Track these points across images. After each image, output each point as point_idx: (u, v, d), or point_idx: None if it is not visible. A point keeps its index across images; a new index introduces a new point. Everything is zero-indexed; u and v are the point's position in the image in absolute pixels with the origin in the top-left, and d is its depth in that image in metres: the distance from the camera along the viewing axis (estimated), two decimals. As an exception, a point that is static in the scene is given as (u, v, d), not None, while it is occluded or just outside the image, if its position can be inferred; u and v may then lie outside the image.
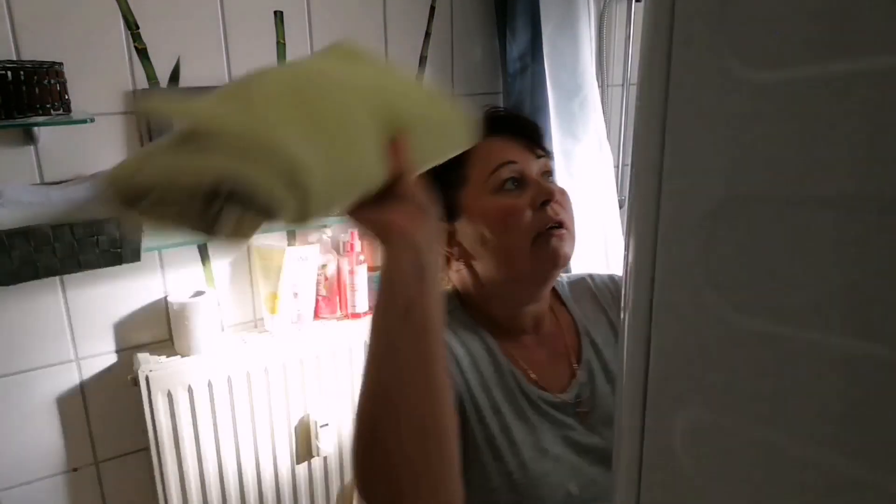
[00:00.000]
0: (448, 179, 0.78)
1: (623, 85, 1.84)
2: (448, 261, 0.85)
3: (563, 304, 0.90)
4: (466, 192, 0.79)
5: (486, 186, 0.78)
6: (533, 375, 0.80)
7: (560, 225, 0.77)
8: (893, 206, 0.23)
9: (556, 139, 1.62)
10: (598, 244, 1.68)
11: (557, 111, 1.62)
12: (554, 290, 0.89)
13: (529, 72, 1.62)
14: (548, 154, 0.83)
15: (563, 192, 0.80)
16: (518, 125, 0.83)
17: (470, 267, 0.82)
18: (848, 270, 0.25)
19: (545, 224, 0.76)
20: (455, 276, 0.86)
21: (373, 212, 0.53)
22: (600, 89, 1.74)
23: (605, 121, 1.72)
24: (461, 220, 0.80)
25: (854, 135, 0.24)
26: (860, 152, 0.24)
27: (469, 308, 0.85)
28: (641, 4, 1.42)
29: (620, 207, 1.73)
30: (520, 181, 0.78)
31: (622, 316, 0.35)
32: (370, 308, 1.58)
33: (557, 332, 0.86)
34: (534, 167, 0.79)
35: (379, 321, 0.53)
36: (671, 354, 0.32)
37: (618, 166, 1.89)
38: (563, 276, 0.94)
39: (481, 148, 0.76)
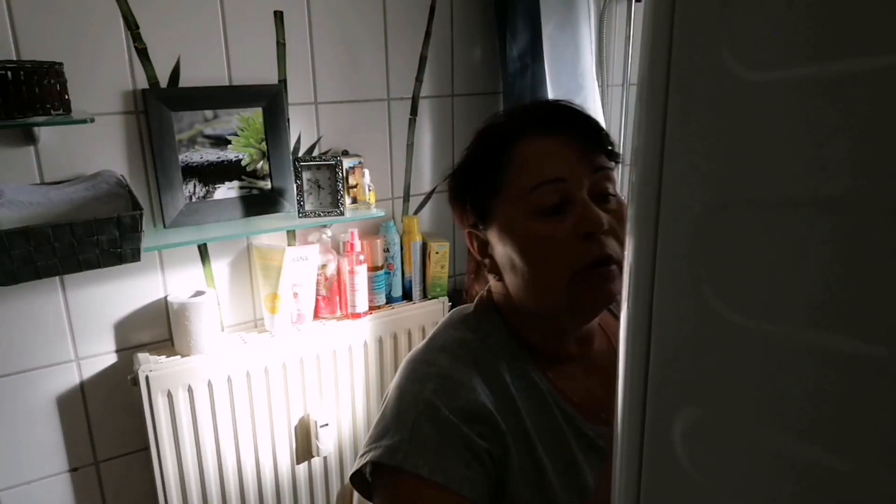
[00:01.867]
0: (482, 181, 0.68)
1: (623, 85, 1.84)
2: (478, 269, 0.76)
3: (611, 311, 0.78)
4: (500, 201, 0.67)
5: (521, 204, 0.65)
6: (588, 408, 0.69)
7: (607, 261, 0.63)
8: (893, 206, 0.23)
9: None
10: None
11: (557, 111, 1.61)
12: None
13: (529, 72, 1.62)
14: (610, 165, 0.67)
15: (620, 214, 0.65)
16: (578, 126, 0.67)
17: (502, 281, 0.71)
18: (847, 270, 0.25)
19: (589, 260, 0.63)
20: (492, 285, 0.75)
21: None
22: (600, 89, 1.74)
23: (605, 121, 1.72)
24: (492, 228, 0.69)
25: (854, 135, 0.24)
26: (860, 152, 0.24)
27: (510, 327, 0.72)
28: (641, 4, 1.42)
29: (620, 207, 1.73)
30: (565, 203, 0.64)
31: (622, 316, 0.35)
32: (370, 308, 1.59)
33: (610, 349, 0.75)
34: (586, 185, 0.64)
35: None
36: (671, 354, 0.32)
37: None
38: None
39: (526, 149, 0.65)
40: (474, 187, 0.70)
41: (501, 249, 0.68)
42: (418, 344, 0.74)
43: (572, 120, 0.67)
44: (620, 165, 0.72)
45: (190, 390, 1.34)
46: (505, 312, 0.73)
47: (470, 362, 0.67)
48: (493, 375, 0.67)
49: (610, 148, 0.68)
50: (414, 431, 0.62)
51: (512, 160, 0.66)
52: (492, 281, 0.74)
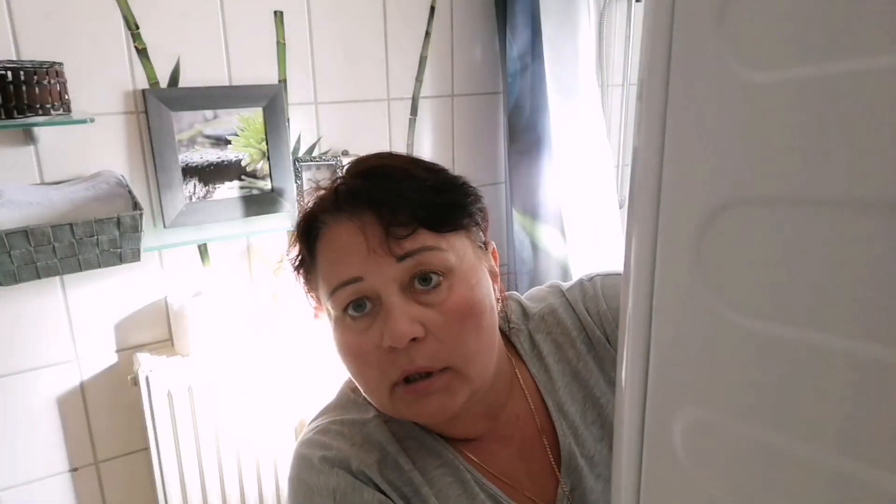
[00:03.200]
0: (307, 280, 0.61)
1: (623, 85, 1.84)
2: None
3: (522, 360, 0.67)
4: (322, 298, 0.59)
5: (328, 309, 0.57)
6: (512, 485, 0.62)
7: (422, 374, 0.53)
8: (893, 206, 0.23)
9: (556, 139, 1.62)
10: (598, 244, 1.68)
11: (557, 111, 1.62)
12: (510, 343, 0.67)
13: (529, 72, 1.62)
14: (430, 244, 0.53)
15: (450, 303, 0.53)
16: (383, 197, 0.53)
17: None
18: (848, 270, 0.25)
19: (398, 375, 0.53)
20: None
21: None
22: (600, 89, 1.74)
23: (605, 121, 1.72)
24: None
25: (854, 135, 0.24)
26: (860, 152, 0.24)
27: None
28: (641, 4, 1.42)
29: (620, 207, 1.73)
30: (371, 302, 0.54)
31: (622, 316, 0.35)
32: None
33: (525, 416, 0.65)
34: (392, 276, 0.53)
35: None
36: (671, 354, 0.32)
37: (618, 166, 1.90)
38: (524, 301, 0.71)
39: (325, 244, 0.56)
40: (307, 285, 0.62)
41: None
42: (309, 425, 0.66)
43: (375, 190, 0.54)
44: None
45: (190, 390, 1.34)
46: None
47: (374, 446, 0.59)
48: (397, 463, 0.59)
49: (441, 211, 0.55)
50: None
51: (317, 258, 0.57)
52: None
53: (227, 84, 1.39)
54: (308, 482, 0.58)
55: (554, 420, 0.64)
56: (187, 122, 1.35)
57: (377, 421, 0.61)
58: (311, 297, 0.63)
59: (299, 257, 0.60)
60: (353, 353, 0.55)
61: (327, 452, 0.59)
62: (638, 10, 1.75)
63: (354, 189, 0.55)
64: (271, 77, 1.44)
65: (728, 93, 0.27)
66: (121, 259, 1.19)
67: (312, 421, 0.66)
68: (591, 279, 0.71)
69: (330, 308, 0.56)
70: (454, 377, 0.54)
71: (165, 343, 1.44)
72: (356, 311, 0.54)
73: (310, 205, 0.58)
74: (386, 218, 0.53)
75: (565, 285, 0.71)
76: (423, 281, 0.53)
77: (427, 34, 1.62)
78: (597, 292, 0.69)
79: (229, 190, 1.43)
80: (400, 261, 0.53)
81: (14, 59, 1.17)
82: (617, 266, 0.66)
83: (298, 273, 0.62)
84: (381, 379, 0.54)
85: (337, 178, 0.57)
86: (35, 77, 1.07)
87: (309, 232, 0.57)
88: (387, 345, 0.52)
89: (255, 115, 1.43)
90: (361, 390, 0.58)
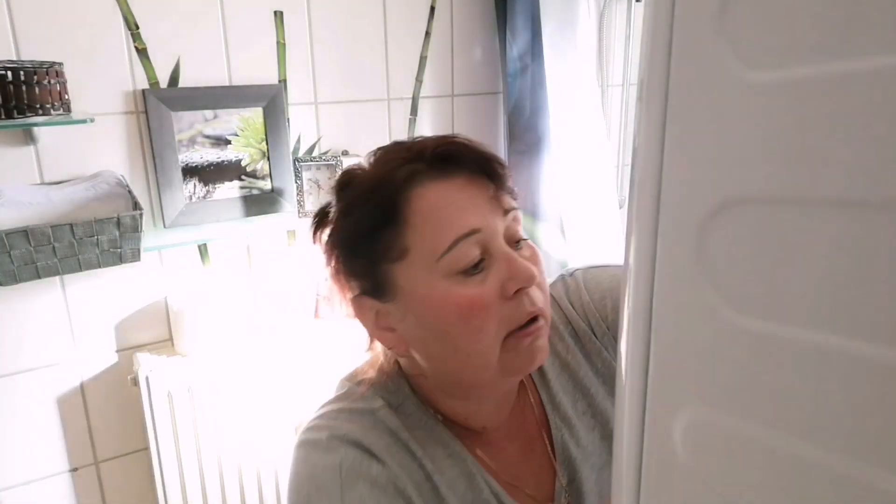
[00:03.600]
0: (374, 248, 0.57)
1: (623, 85, 1.84)
2: (372, 340, 0.64)
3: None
4: (404, 269, 0.56)
5: (437, 268, 0.54)
6: (515, 484, 0.62)
7: (538, 317, 0.57)
8: (893, 206, 0.23)
9: (556, 139, 1.62)
10: (598, 244, 1.68)
11: (557, 111, 1.62)
12: None
13: (529, 72, 1.62)
14: (516, 205, 0.58)
15: (535, 255, 0.59)
16: (476, 161, 0.56)
17: (408, 354, 0.60)
18: (848, 270, 0.25)
19: (523, 319, 0.56)
20: (390, 357, 0.65)
21: None
22: (600, 89, 1.74)
23: (605, 121, 1.72)
24: (395, 301, 0.57)
25: (854, 135, 0.24)
26: (860, 152, 0.24)
27: (419, 395, 0.63)
28: (641, 4, 1.42)
29: (620, 207, 1.73)
30: (484, 255, 0.55)
31: (622, 316, 0.35)
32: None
33: (527, 410, 0.67)
34: (500, 229, 0.55)
35: None
36: (671, 354, 0.32)
37: (618, 166, 1.90)
38: None
39: (422, 203, 0.55)
40: (365, 256, 0.58)
41: (415, 322, 0.57)
42: (311, 419, 0.65)
43: (467, 155, 0.56)
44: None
45: (190, 390, 1.34)
46: (414, 383, 0.63)
47: (384, 431, 0.59)
48: (408, 448, 0.59)
49: (510, 184, 0.58)
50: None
51: (409, 219, 0.55)
52: (389, 353, 0.64)
53: (227, 84, 1.39)
54: (312, 461, 0.57)
55: (548, 413, 0.66)
56: (187, 122, 1.35)
57: (386, 410, 0.61)
58: (338, 278, 0.62)
59: (356, 229, 0.58)
60: (476, 306, 0.54)
61: (336, 431, 0.58)
62: (638, 10, 1.75)
63: (451, 151, 0.56)
64: (271, 77, 1.44)
65: (728, 93, 0.27)
66: (121, 259, 1.19)
67: (314, 415, 0.65)
68: (571, 274, 0.72)
69: (440, 267, 0.54)
70: (546, 324, 0.58)
71: (165, 343, 1.44)
72: (473, 266, 0.54)
73: (388, 175, 0.56)
74: (492, 174, 0.56)
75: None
76: (515, 245, 0.58)
77: (427, 34, 1.62)
78: (579, 286, 0.70)
79: (229, 190, 1.43)
80: (506, 214, 0.56)
81: (14, 59, 1.17)
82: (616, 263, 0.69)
83: (344, 249, 0.60)
84: (499, 329, 0.55)
85: (415, 150, 0.57)
86: (35, 77, 1.07)
87: (386, 198, 0.56)
88: (516, 287, 0.54)
89: (255, 115, 1.43)
90: (470, 350, 0.56)
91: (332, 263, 0.61)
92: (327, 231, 0.61)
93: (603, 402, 0.68)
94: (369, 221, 0.57)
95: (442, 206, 0.55)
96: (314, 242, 0.63)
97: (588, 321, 0.68)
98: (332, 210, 0.61)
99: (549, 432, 0.66)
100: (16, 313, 1.28)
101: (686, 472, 0.32)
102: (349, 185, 0.59)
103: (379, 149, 0.60)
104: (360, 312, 0.61)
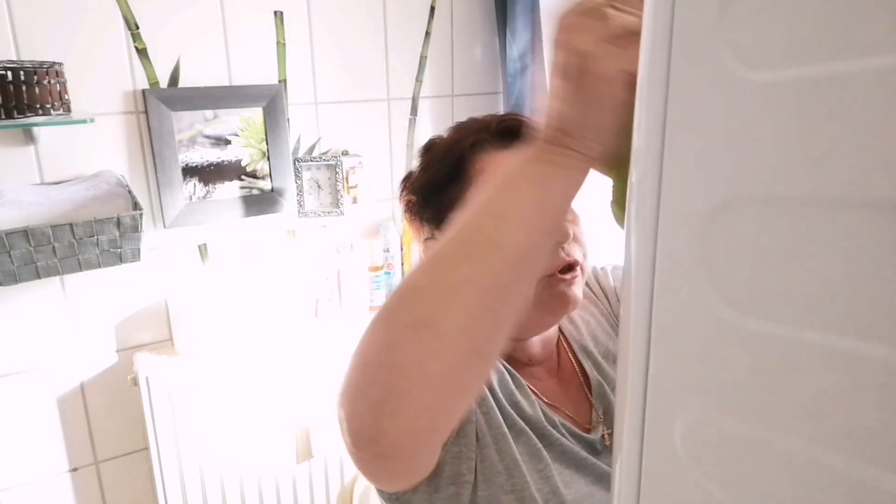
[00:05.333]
0: (443, 197, 0.68)
1: (623, 85, 1.84)
2: None
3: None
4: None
5: None
6: (557, 406, 0.70)
7: (573, 267, 0.67)
8: (894, 206, 0.23)
9: (556, 139, 1.62)
10: (598, 244, 1.68)
11: (557, 111, 1.62)
12: None
13: (529, 72, 1.62)
14: None
15: (576, 218, 0.70)
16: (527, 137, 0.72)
17: None
18: (848, 270, 0.25)
19: (556, 267, 0.65)
20: None
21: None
22: (600, 89, 1.73)
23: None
24: None
25: (854, 135, 0.24)
26: (860, 152, 0.24)
27: None
28: (641, 4, 1.42)
29: (620, 207, 1.73)
30: None
31: (622, 316, 0.35)
32: (370, 308, 1.59)
33: (563, 352, 0.77)
34: None
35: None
36: (671, 354, 0.32)
37: (618, 166, 1.89)
38: None
39: (486, 164, 0.67)
40: (435, 203, 0.70)
41: None
42: None
43: (524, 129, 0.68)
44: None
45: (190, 391, 1.34)
46: None
47: None
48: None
49: None
50: None
51: (472, 178, 0.67)
52: None
53: (227, 84, 1.39)
54: None
55: (581, 360, 0.76)
56: (187, 122, 1.35)
57: None
58: (413, 220, 0.74)
59: (431, 180, 0.71)
60: None
61: None
62: (638, 10, 1.75)
63: (512, 126, 0.69)
64: (271, 77, 1.44)
65: (728, 93, 0.27)
66: (121, 259, 1.20)
67: None
68: (602, 267, 0.87)
69: None
70: (580, 273, 0.68)
71: (165, 343, 1.44)
72: None
73: (454, 135, 0.71)
74: None
75: None
76: None
77: (427, 34, 1.62)
78: (607, 274, 0.85)
79: (229, 190, 1.43)
80: None
81: (14, 59, 1.17)
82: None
83: (419, 196, 0.72)
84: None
85: (483, 123, 0.71)
86: (35, 77, 1.07)
87: (457, 158, 0.68)
88: (556, 241, 0.64)
89: (255, 115, 1.43)
90: None
91: (409, 210, 0.74)
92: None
93: None
94: (440, 177, 0.69)
95: (498, 168, 0.65)
96: (400, 199, 0.76)
97: (609, 302, 0.82)
98: (416, 169, 0.75)
99: (585, 374, 0.75)
100: (16, 313, 1.28)
101: (686, 472, 0.32)
102: (430, 149, 0.74)
103: (457, 122, 0.75)
104: (428, 252, 0.72)
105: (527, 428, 0.65)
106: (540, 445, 0.65)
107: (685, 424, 0.32)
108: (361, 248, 1.55)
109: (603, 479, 0.66)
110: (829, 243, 0.25)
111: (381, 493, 0.64)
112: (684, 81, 0.29)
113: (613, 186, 0.53)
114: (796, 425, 0.28)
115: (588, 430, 0.70)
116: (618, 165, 0.47)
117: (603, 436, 0.70)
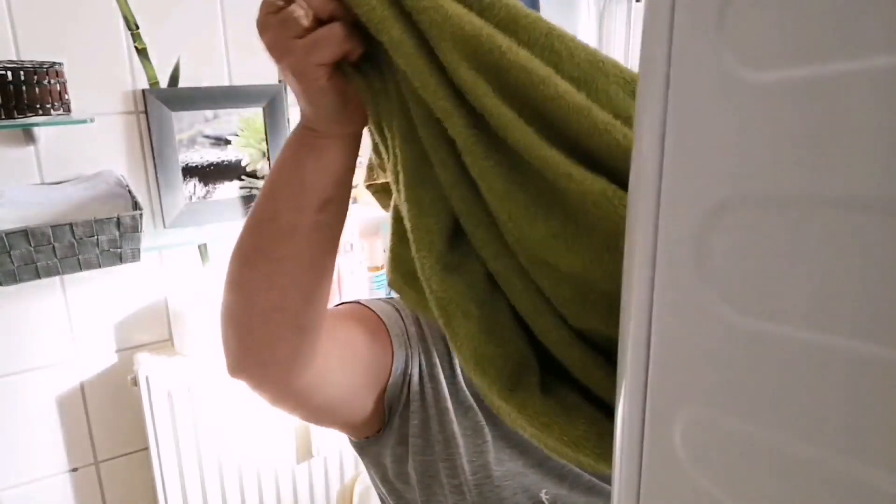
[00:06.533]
0: None
1: (623, 85, 1.84)
2: None
3: None
4: None
5: None
6: None
7: None
8: (893, 206, 0.23)
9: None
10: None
11: (557, 111, 1.62)
12: None
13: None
14: None
15: None
16: None
17: None
18: (848, 270, 0.25)
19: None
20: None
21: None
22: (600, 89, 1.73)
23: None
24: None
25: (854, 135, 0.24)
26: (861, 152, 0.24)
27: None
28: (641, 4, 1.42)
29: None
30: None
31: (622, 316, 0.35)
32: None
33: None
34: None
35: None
36: (671, 354, 0.32)
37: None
38: None
39: None
40: None
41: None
42: None
43: None
44: None
45: (190, 391, 1.34)
46: None
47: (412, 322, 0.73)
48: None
49: None
50: None
51: None
52: None
53: (227, 84, 1.39)
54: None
55: None
56: (187, 122, 1.35)
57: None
58: None
59: None
60: None
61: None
62: (638, 10, 1.75)
63: None
64: (271, 77, 1.44)
65: (728, 93, 0.27)
66: (121, 259, 1.19)
67: None
68: None
69: None
70: None
71: (165, 343, 1.44)
72: None
73: None
74: None
75: None
76: None
77: (427, 34, 1.62)
78: None
79: (229, 190, 1.44)
80: None
81: (14, 59, 1.17)
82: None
83: None
84: None
85: None
86: (35, 77, 1.07)
87: None
88: None
89: (255, 115, 1.43)
90: None
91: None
92: None
93: None
94: None
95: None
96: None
97: None
98: None
99: None
100: (16, 313, 1.28)
101: (686, 472, 0.32)
102: None
103: None
104: None
105: (475, 405, 0.67)
106: (484, 423, 0.67)
107: (685, 424, 0.32)
108: (361, 248, 1.55)
109: (546, 462, 0.67)
110: (829, 243, 0.25)
111: (351, 441, 0.73)
112: (684, 81, 0.29)
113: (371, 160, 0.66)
114: (796, 425, 0.28)
115: None
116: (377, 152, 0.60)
117: None
